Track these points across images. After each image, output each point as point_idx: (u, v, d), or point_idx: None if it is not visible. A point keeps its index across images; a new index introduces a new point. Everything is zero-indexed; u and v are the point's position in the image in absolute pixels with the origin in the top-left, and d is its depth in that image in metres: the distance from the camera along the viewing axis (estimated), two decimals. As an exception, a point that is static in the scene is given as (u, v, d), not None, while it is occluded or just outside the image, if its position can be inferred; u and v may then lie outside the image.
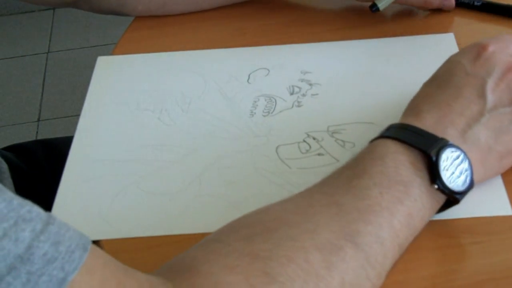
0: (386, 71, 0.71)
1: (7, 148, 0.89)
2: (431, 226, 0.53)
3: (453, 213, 0.54)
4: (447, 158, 0.51)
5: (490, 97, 0.55)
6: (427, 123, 0.54)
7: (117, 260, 0.45)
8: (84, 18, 2.39)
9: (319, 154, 0.63)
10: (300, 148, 0.64)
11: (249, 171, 0.62)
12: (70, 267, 0.40)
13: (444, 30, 0.75)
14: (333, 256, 0.47)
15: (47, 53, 2.28)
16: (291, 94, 0.70)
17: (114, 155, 0.65)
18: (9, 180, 0.80)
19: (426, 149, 0.51)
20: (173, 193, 0.61)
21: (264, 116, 0.68)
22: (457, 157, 0.52)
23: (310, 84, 0.71)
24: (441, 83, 0.57)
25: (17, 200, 0.40)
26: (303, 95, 0.70)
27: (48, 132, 1.99)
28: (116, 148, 0.66)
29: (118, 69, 0.76)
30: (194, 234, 0.56)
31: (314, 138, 0.64)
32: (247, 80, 0.73)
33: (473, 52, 0.58)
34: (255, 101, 0.70)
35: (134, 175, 0.63)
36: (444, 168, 0.51)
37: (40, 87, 2.15)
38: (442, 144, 0.51)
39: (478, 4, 0.77)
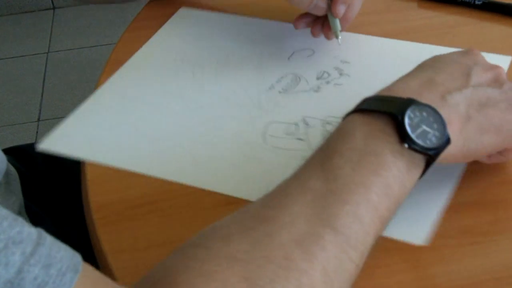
0: None
1: (5, 151, 0.88)
2: (431, 226, 0.53)
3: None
4: (416, 116, 0.49)
5: (475, 78, 0.54)
6: (399, 91, 0.52)
7: (106, 276, 0.44)
8: (84, 18, 2.39)
9: (298, 139, 0.63)
10: (287, 129, 0.65)
11: (230, 135, 0.65)
12: None
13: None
14: (312, 246, 0.45)
15: (47, 53, 2.28)
16: (318, 78, 0.71)
17: (145, 97, 0.71)
18: (18, 184, 0.79)
19: (391, 110, 0.50)
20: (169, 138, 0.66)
21: (279, 92, 0.70)
22: (428, 114, 0.50)
23: (341, 74, 0.71)
24: (424, 67, 0.56)
25: (7, 220, 0.39)
26: (327, 82, 0.70)
27: (48, 132, 1.99)
28: (150, 92, 0.72)
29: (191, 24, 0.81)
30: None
31: (306, 124, 0.65)
32: (288, 57, 0.74)
33: (462, 51, 0.58)
34: (282, 77, 0.71)
35: (148, 119, 0.68)
36: (412, 125, 0.49)
37: (40, 87, 2.15)
38: (408, 102, 0.50)
39: (479, 3, 0.77)
